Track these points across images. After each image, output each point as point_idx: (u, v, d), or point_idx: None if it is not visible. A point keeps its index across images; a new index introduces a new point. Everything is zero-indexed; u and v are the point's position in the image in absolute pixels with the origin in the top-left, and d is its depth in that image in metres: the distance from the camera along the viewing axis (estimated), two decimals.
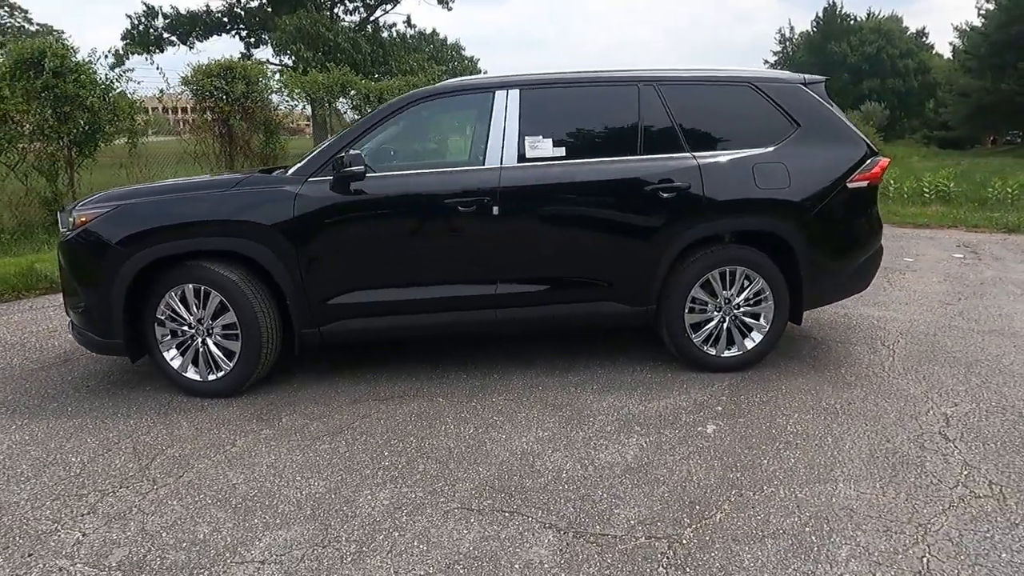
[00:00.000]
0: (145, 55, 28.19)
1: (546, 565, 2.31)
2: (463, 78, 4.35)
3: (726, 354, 4.03)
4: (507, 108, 3.85)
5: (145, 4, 26.16)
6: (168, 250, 3.62)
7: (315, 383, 3.94)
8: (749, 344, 4.04)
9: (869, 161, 4.04)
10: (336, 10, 28.61)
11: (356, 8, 28.56)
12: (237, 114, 11.87)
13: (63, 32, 41.25)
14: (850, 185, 3.99)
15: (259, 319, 3.66)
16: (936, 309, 5.33)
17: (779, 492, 2.75)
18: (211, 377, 3.74)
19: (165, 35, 26.78)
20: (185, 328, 3.72)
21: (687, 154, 3.90)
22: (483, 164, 3.80)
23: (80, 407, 3.67)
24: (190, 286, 3.65)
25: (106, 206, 3.70)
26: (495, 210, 3.73)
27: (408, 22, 31.95)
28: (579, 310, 3.94)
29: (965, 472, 2.90)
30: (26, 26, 41.85)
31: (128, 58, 27.90)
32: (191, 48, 29.30)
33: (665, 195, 3.82)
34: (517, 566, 2.30)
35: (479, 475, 2.89)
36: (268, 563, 2.33)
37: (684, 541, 2.44)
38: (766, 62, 51.30)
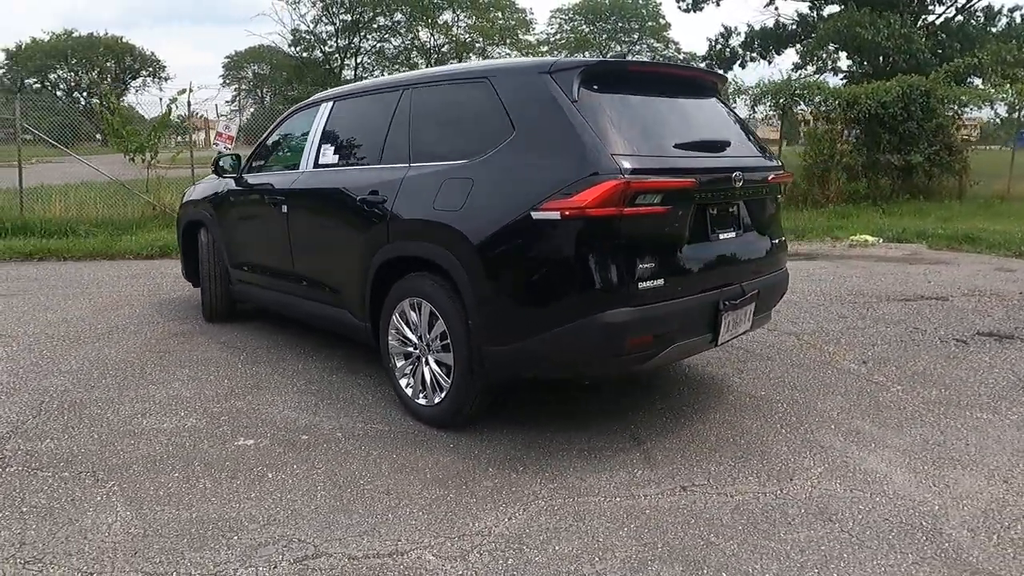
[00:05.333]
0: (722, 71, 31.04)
1: None
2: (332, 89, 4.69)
3: (419, 401, 3.43)
4: (321, 118, 4.21)
5: (724, 26, 28.68)
6: (190, 216, 5.50)
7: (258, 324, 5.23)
8: (436, 398, 3.32)
9: (574, 184, 2.68)
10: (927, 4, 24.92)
11: None
12: None
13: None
14: (535, 215, 2.78)
15: (207, 268, 5.20)
16: None
17: None
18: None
19: (740, 52, 28.69)
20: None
21: (404, 165, 3.47)
22: (298, 168, 4.30)
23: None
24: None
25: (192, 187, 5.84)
26: (284, 208, 4.23)
27: None
28: (328, 312, 4.03)
29: None
30: (678, 56, 50.46)
31: None
32: (770, 62, 30.58)
33: (367, 209, 3.55)
34: None
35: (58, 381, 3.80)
36: None
37: None
38: None
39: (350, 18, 34.92)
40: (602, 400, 3.73)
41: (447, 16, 37.14)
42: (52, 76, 49.91)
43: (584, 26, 46.69)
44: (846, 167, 14.01)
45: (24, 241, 9.33)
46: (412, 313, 3.39)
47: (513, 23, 38.25)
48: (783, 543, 2.43)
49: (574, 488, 2.81)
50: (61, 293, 6.43)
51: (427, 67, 45.79)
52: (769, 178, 3.35)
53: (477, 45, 37.01)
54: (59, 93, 50.06)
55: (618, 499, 2.73)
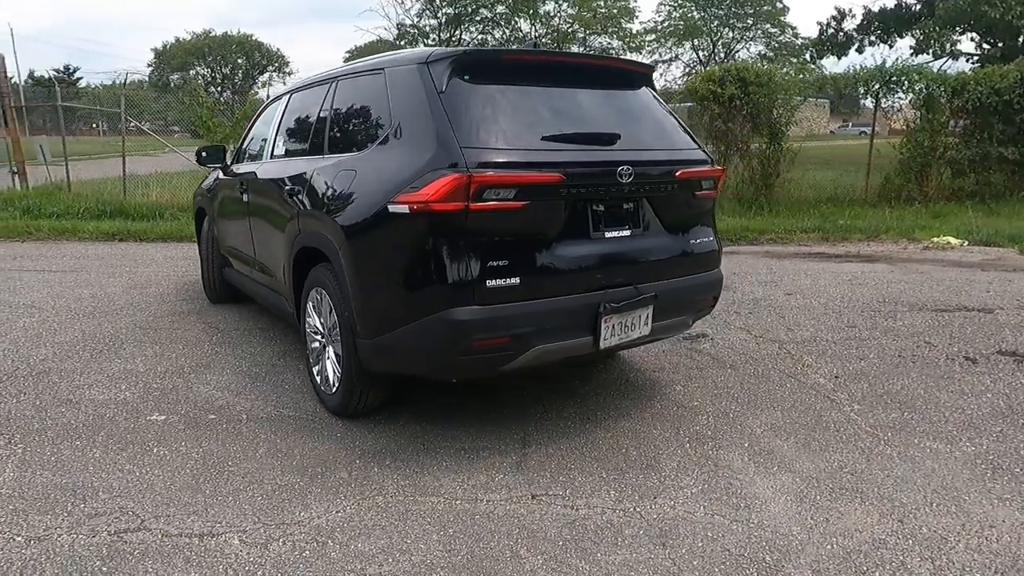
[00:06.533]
0: (834, 57, 28.81)
1: None
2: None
3: (322, 388, 3.49)
4: (279, 111, 4.34)
5: (836, 8, 26.66)
6: (197, 204, 5.86)
7: (254, 308, 5.52)
8: (333, 387, 3.37)
9: (423, 177, 2.62)
10: None
11: None
12: (726, 117, 12.26)
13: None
14: (390, 208, 2.74)
15: (204, 252, 5.53)
16: None
17: None
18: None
19: (855, 36, 26.53)
20: None
21: (319, 156, 3.52)
22: (261, 159, 4.46)
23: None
24: None
25: None
26: (245, 197, 4.41)
27: None
28: (272, 297, 4.18)
29: None
30: (794, 40, 47.24)
31: (813, 63, 29.08)
32: (891, 46, 28.11)
33: (289, 199, 3.64)
34: None
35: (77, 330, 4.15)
36: None
37: None
38: None
39: (453, 11, 35.73)
40: (518, 401, 3.62)
41: (549, 6, 37.11)
42: (192, 72, 54.80)
43: (695, 12, 44.96)
44: (951, 161, 12.65)
45: (111, 223, 10.29)
46: (319, 301, 3.45)
47: (616, 11, 37.55)
48: (593, 565, 2.27)
49: (423, 487, 2.77)
50: (110, 271, 7.07)
51: None
52: (677, 173, 3.10)
53: (579, 35, 36.72)
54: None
55: (458, 502, 2.65)
